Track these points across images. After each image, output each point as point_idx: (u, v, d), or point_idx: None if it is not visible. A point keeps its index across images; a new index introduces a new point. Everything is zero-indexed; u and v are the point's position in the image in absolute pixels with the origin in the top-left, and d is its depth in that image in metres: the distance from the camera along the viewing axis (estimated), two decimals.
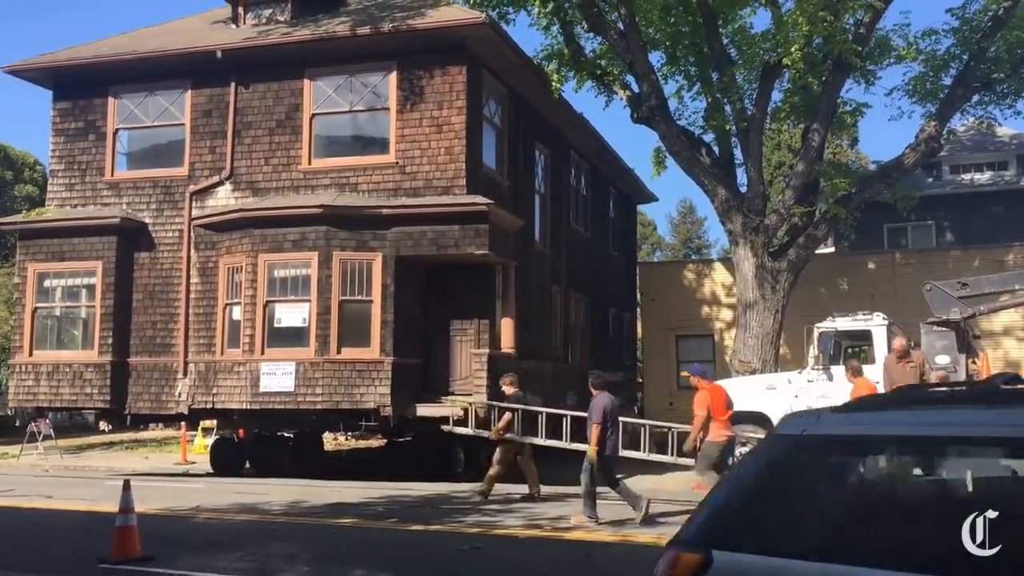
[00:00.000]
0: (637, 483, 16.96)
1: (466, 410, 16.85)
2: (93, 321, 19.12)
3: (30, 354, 19.43)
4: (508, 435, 14.63)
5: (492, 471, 14.26)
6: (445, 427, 16.93)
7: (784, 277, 18.59)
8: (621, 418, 13.14)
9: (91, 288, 19.24)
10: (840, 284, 23.43)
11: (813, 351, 15.33)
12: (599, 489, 11.96)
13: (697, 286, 25.63)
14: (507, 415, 14.76)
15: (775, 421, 15.16)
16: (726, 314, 24.40)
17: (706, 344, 24.63)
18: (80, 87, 20.12)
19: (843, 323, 15.58)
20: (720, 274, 25.17)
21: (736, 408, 15.62)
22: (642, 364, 28.76)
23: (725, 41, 19.91)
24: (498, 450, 14.55)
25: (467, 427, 16.64)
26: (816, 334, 15.39)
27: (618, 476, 12.37)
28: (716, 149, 20.33)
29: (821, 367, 15.07)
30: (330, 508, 13.30)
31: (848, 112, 21.60)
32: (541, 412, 15.78)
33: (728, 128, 19.96)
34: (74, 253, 19.31)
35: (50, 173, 20.94)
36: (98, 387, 18.87)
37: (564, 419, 15.85)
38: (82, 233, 19.27)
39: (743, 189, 19.84)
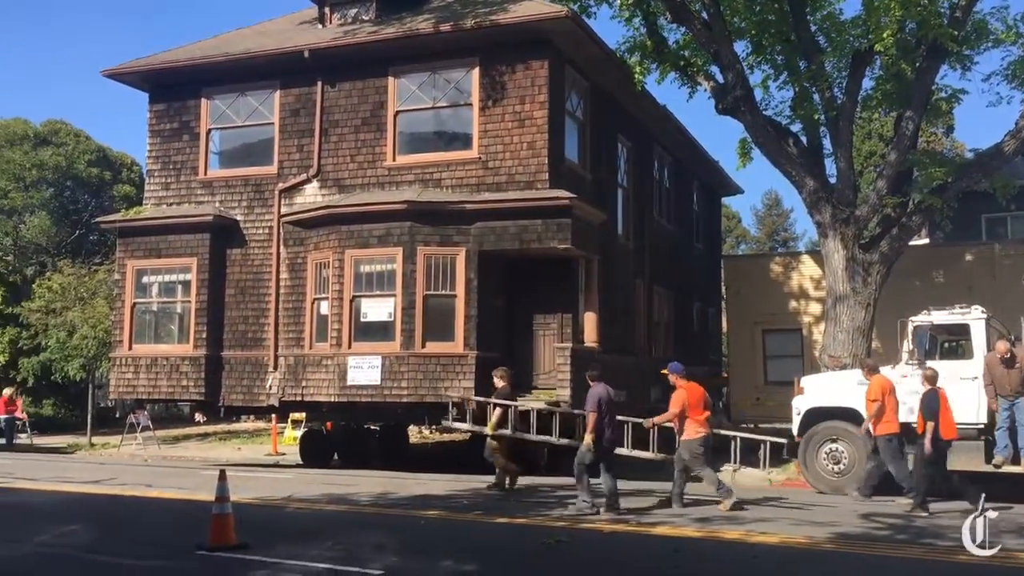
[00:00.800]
0: (720, 477, 16.75)
1: (551, 404, 16.85)
2: (188, 316, 19.75)
3: (129, 348, 20.19)
4: (503, 432, 14.93)
5: (505, 466, 14.60)
6: (445, 422, 16.94)
7: (876, 269, 18.07)
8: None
9: (186, 284, 19.87)
10: (935, 277, 22.63)
11: (907, 346, 14.83)
12: (594, 481, 12.39)
13: (784, 279, 25.07)
14: (499, 411, 14.96)
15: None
16: (815, 308, 23.82)
17: (794, 339, 24.08)
18: (174, 89, 20.77)
19: (939, 317, 15.04)
20: (809, 267, 24.57)
21: (826, 404, 15.39)
22: (728, 359, 28.33)
23: (813, 28, 19.41)
24: (490, 444, 14.84)
25: (465, 423, 16.57)
26: (910, 328, 14.88)
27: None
28: (804, 139, 19.85)
29: (916, 362, 14.58)
30: (416, 500, 13.48)
31: (943, 99, 20.84)
32: (532, 409, 15.80)
33: (817, 117, 19.48)
34: (170, 250, 19.98)
35: (147, 173, 21.69)
36: (193, 380, 19.49)
37: (554, 416, 15.88)
38: (177, 231, 19.92)
39: (832, 180, 19.35)
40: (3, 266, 36.57)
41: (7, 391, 27.15)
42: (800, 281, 24.82)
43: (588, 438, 12.34)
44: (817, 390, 15.74)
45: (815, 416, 15.41)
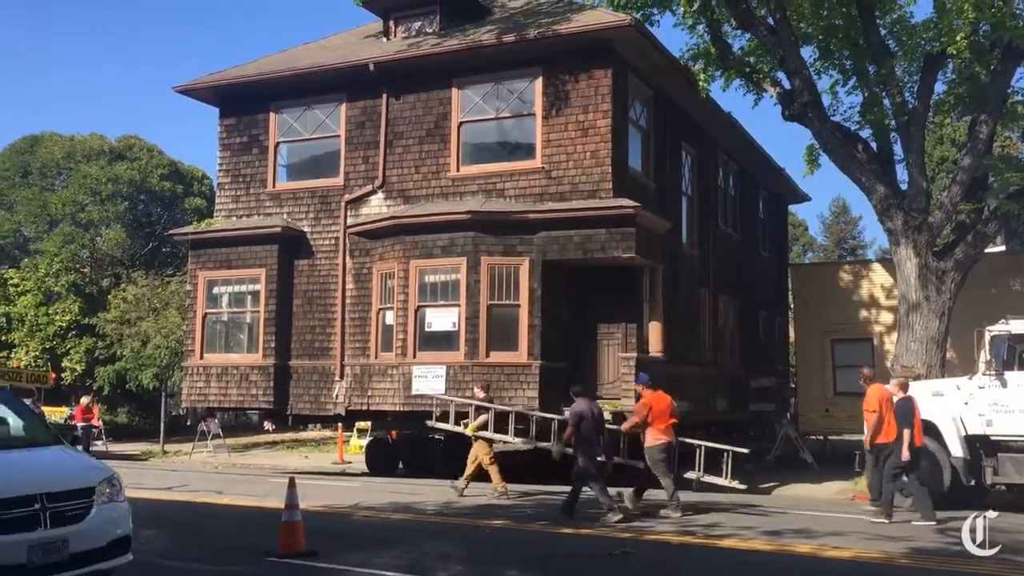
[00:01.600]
0: (791, 490, 16.49)
1: (616, 414, 16.75)
2: (257, 326, 20.12)
3: (201, 357, 20.63)
4: (482, 434, 15.67)
5: (470, 470, 15.53)
6: (428, 422, 17.35)
7: (950, 277, 17.60)
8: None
9: (255, 294, 20.25)
10: (1012, 284, 21.92)
11: (984, 356, 14.40)
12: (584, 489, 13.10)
13: (854, 288, 24.55)
14: (483, 416, 15.69)
15: (942, 429, 14.40)
16: (886, 317, 23.29)
17: (864, 348, 23.52)
18: (244, 104, 21.22)
19: (1017, 326, 14.56)
20: (879, 275, 24.03)
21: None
22: (795, 369, 27.84)
23: (883, 32, 19.01)
24: (473, 449, 15.70)
25: (447, 424, 16.83)
26: (987, 337, 14.45)
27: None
28: (873, 145, 19.45)
29: (993, 373, 14.15)
30: (481, 509, 13.50)
31: (1019, 102, 20.23)
32: (511, 411, 16.36)
33: (887, 122, 19.06)
34: (240, 261, 20.39)
35: (217, 186, 22.17)
36: (263, 389, 19.82)
37: (531, 419, 16.35)
38: (247, 242, 20.32)
39: (903, 186, 18.91)
40: (80, 278, 37.72)
41: (84, 399, 27.98)
42: (870, 289, 24.30)
43: (556, 448, 14.02)
44: None
45: None
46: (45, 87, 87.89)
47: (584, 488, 12.87)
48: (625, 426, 14.00)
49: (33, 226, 39.99)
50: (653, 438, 13.14)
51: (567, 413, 13.33)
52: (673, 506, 12.86)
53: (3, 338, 36.36)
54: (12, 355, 35.24)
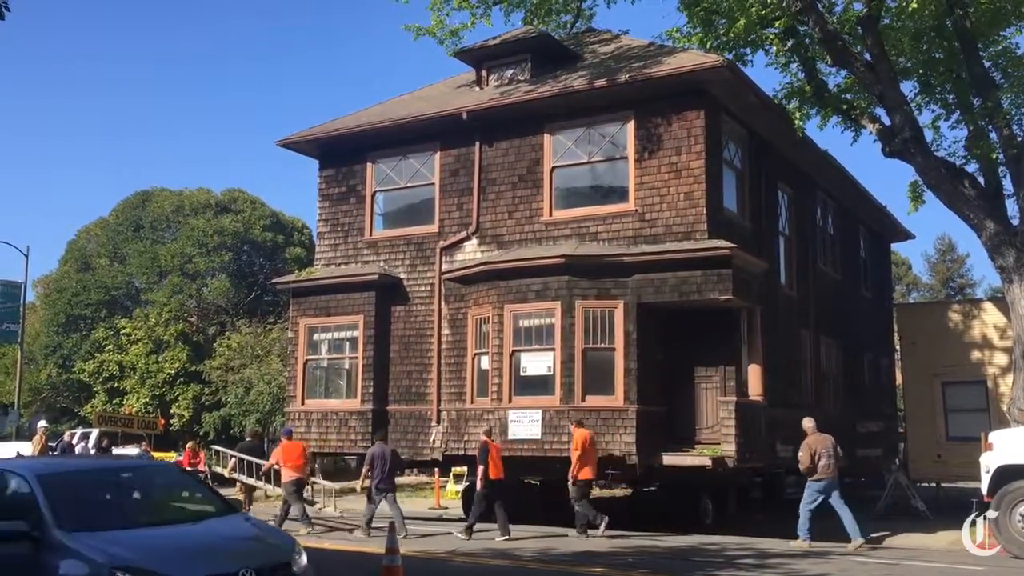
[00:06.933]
0: (904, 540, 15.78)
1: (716, 459, 16.40)
2: (355, 371, 20.45)
3: (302, 403, 21.07)
4: (235, 475, 19.95)
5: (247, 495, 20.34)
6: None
7: None
8: None
9: (354, 341, 20.62)
10: None
11: None
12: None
13: (965, 328, 23.55)
14: (232, 460, 20.27)
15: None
16: (1000, 358, 22.26)
17: (978, 391, 22.49)
18: (342, 155, 21.84)
19: None
20: (991, 315, 23.01)
21: (1020, 461, 14.27)
22: (904, 413, 26.80)
23: (987, 64, 18.47)
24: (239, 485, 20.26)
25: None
26: None
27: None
28: (981, 180, 18.78)
29: None
30: (579, 556, 13.32)
31: None
32: (266, 464, 19.36)
33: (995, 156, 18.38)
34: (339, 308, 20.83)
35: (317, 235, 22.78)
36: (361, 434, 20.09)
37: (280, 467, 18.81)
38: (345, 290, 20.76)
39: (1015, 221, 18.17)
40: (188, 327, 39.12)
41: (190, 445, 28.82)
42: (982, 330, 23.29)
43: (360, 485, 17.37)
44: (1009, 446, 14.61)
45: (1007, 474, 14.29)
46: (159, 145, 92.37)
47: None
48: (265, 466, 18.88)
49: (144, 277, 41.71)
50: (286, 476, 17.06)
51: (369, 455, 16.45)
52: (304, 522, 16.62)
53: (116, 385, 37.85)
54: (124, 402, 36.65)
